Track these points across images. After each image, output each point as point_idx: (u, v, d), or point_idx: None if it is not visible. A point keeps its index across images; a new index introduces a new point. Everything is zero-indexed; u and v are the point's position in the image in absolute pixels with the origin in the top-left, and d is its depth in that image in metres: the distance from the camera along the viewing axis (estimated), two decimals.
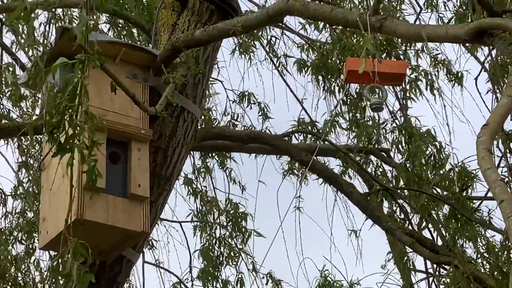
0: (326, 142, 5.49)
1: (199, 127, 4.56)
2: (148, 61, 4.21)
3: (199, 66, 4.40)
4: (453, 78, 5.65)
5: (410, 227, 5.18)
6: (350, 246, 6.03)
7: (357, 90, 5.52)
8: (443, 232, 5.19)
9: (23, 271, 5.39)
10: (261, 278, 6.13)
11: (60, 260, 3.42)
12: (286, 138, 5.38)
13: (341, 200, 5.97)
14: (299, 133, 5.75)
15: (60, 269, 3.40)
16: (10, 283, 5.21)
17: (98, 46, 3.17)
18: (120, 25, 6.00)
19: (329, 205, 6.02)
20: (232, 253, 6.11)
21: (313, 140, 5.82)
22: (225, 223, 6.16)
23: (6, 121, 5.39)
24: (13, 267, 5.29)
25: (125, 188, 3.91)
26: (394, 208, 5.31)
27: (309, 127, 5.90)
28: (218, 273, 6.09)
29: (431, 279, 5.23)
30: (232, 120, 6.25)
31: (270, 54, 6.19)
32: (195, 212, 6.29)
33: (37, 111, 4.00)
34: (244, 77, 6.29)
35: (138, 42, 5.87)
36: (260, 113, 6.19)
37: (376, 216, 4.95)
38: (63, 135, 3.13)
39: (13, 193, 5.92)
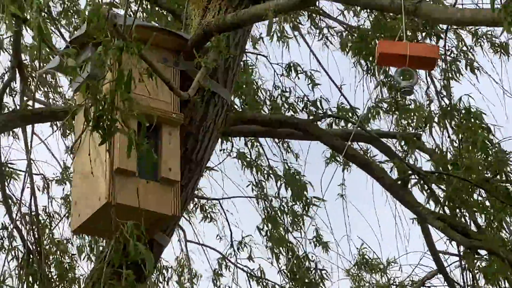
0: (359, 128, 5.46)
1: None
2: (179, 46, 4.22)
3: (230, 50, 4.40)
4: (498, 50, 5.58)
5: (442, 212, 5.15)
6: (388, 228, 6.11)
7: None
8: (476, 217, 5.16)
9: (70, 255, 5.44)
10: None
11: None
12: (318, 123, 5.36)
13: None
14: (331, 118, 5.72)
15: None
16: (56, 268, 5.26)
17: (128, 30, 3.19)
18: (150, 9, 6.02)
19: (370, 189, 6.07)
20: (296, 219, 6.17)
21: (345, 126, 5.80)
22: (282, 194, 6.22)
23: (43, 106, 5.43)
24: (57, 250, 5.34)
25: (156, 172, 3.93)
26: (426, 193, 5.28)
27: (349, 114, 5.89)
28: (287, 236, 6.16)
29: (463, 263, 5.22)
30: (283, 93, 6.24)
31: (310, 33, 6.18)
32: (254, 184, 6.33)
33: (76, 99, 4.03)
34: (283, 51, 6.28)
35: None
36: (309, 82, 6.17)
37: (407, 201, 4.93)
38: (106, 122, 3.15)
39: (57, 178, 5.99)
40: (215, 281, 6.36)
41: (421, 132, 5.62)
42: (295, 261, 6.14)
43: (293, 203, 6.21)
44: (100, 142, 3.21)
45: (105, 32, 3.17)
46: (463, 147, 5.25)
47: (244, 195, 6.46)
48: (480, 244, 4.64)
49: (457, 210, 5.21)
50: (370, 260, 6.30)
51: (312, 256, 6.24)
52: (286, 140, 6.33)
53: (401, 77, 3.58)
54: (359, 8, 5.65)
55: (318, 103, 6.01)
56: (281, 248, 6.21)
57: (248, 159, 6.37)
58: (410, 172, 5.12)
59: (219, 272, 6.35)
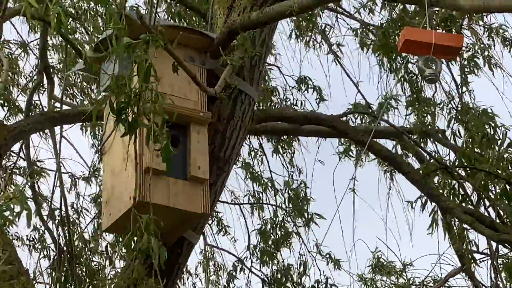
0: (383, 124, 5.47)
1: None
2: (205, 44, 4.24)
3: (255, 48, 4.42)
4: (508, 44, 5.57)
5: (469, 206, 5.14)
6: (403, 226, 6.07)
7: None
8: (500, 210, 5.15)
9: (99, 251, 5.49)
10: (321, 259, 6.17)
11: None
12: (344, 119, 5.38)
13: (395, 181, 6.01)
14: (356, 114, 5.74)
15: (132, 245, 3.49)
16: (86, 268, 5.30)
17: (155, 30, 3.21)
18: (176, 9, 6.05)
19: (382, 186, 6.06)
20: (289, 236, 6.16)
21: (369, 122, 5.81)
22: (283, 205, 6.21)
23: (69, 108, 5.47)
24: (86, 248, 5.39)
25: (185, 170, 3.96)
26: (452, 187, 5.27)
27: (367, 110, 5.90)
28: (276, 253, 6.15)
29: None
30: (292, 106, 6.28)
31: (324, 40, 6.21)
32: (252, 193, 6.35)
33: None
34: (300, 63, 6.32)
35: (195, 26, 5.92)
36: (317, 97, 6.21)
37: (434, 195, 4.93)
38: (130, 115, 3.17)
39: (84, 176, 6.03)
40: (229, 283, 6.36)
41: (445, 129, 5.61)
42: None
43: (292, 217, 6.18)
44: (122, 134, 3.24)
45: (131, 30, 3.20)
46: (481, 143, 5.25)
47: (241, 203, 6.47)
48: (509, 238, 4.63)
49: (484, 204, 5.20)
50: (386, 262, 6.21)
51: (323, 271, 6.19)
52: (291, 157, 6.34)
53: (425, 66, 3.58)
54: (376, 5, 5.64)
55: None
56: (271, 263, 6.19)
57: (251, 171, 6.39)
58: (436, 166, 5.12)
59: (234, 274, 6.35)
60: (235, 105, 4.35)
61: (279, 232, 6.18)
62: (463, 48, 5.39)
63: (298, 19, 5.95)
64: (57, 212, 5.36)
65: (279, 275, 6.10)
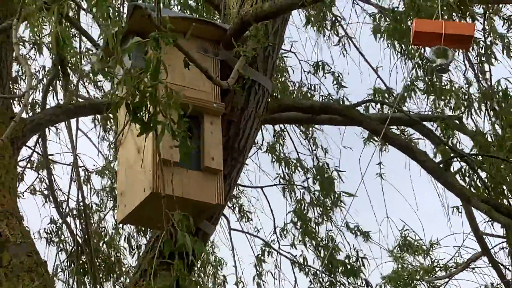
0: (398, 111, 5.46)
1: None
2: (218, 36, 4.25)
3: (269, 39, 4.42)
4: None
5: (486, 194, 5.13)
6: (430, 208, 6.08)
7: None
8: None
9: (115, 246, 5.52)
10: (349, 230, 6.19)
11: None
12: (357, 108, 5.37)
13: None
14: (370, 103, 5.73)
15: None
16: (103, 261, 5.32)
17: (169, 22, 3.22)
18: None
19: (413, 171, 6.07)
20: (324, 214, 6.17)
21: (382, 110, 5.80)
22: (312, 186, 6.22)
23: (83, 100, 5.51)
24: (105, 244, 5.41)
25: (199, 161, 3.97)
26: (469, 175, 5.26)
27: (386, 95, 5.89)
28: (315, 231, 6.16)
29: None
30: (309, 91, 6.28)
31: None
32: (281, 176, 6.36)
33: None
34: (316, 49, 6.32)
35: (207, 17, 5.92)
36: (335, 83, 6.20)
37: (450, 183, 4.92)
38: (145, 113, 3.19)
39: (97, 170, 6.06)
40: (257, 267, 6.38)
41: (462, 115, 5.60)
42: (333, 251, 6.12)
43: (322, 198, 6.19)
44: (138, 133, 3.26)
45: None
46: (506, 130, 5.22)
47: (274, 184, 6.47)
48: None
49: (501, 192, 5.18)
50: (413, 241, 6.27)
51: (353, 245, 6.22)
52: (313, 136, 6.34)
53: (436, 55, 3.57)
54: None
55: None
56: (313, 241, 6.20)
57: (277, 153, 6.39)
58: (452, 154, 5.11)
59: (262, 258, 6.37)
60: (248, 96, 4.36)
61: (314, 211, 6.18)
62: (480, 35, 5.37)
63: (308, 12, 5.93)
64: (73, 205, 5.39)
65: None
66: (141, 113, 3.19)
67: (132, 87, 3.15)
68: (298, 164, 6.38)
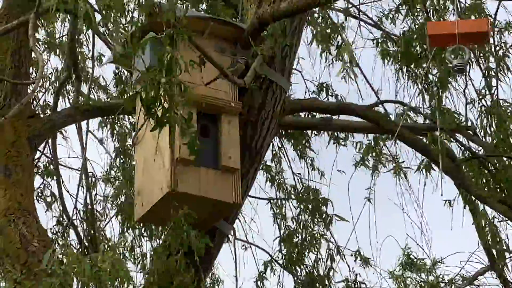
0: (410, 121, 5.43)
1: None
2: (235, 35, 4.25)
3: (286, 38, 4.42)
4: None
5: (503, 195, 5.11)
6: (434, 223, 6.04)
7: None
8: None
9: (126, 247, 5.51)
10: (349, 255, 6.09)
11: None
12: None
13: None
14: (384, 103, 5.67)
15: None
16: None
17: (187, 22, 3.24)
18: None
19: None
20: (314, 240, 6.07)
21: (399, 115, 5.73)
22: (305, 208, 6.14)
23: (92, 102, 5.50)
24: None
25: (216, 160, 3.98)
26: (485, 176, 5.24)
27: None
28: (302, 258, 6.05)
29: None
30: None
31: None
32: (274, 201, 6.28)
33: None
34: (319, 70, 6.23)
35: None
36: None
37: (467, 185, 4.92)
38: (160, 109, 3.20)
39: (104, 177, 6.04)
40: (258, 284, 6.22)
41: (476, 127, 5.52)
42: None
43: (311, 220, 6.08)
44: (152, 128, 3.27)
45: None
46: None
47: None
48: None
49: None
50: (416, 259, 6.14)
51: (353, 268, 6.10)
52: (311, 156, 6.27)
53: (453, 56, 3.57)
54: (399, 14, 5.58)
55: None
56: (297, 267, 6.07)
57: (272, 174, 6.31)
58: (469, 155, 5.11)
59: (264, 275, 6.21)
60: (266, 95, 4.36)
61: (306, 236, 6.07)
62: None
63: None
64: (80, 207, 5.40)
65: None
66: (155, 108, 3.20)
67: (147, 83, 3.16)
68: (292, 191, 6.27)
